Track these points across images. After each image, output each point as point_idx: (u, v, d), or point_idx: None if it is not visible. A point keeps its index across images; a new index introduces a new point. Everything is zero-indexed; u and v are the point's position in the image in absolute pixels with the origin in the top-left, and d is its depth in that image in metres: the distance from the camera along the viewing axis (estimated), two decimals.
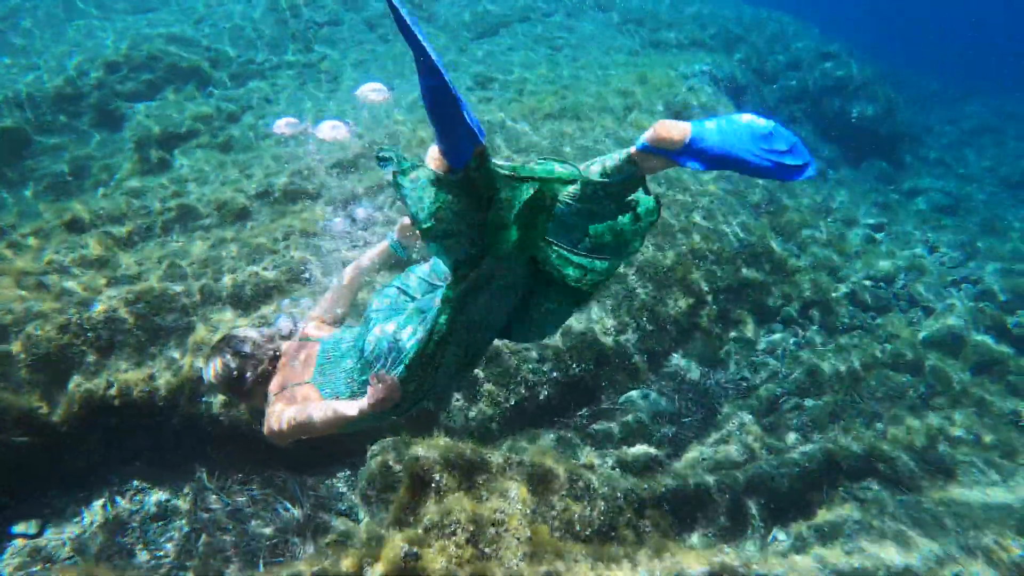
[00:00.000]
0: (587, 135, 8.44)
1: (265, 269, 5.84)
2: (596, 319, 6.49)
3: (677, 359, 6.88)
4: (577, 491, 4.66)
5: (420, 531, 4.06)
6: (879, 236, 9.36)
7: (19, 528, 4.51)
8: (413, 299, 2.81)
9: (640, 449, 5.72)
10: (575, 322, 6.36)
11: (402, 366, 2.43)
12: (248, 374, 2.79)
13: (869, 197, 11.14)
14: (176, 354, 5.01)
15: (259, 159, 7.92)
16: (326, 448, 5.10)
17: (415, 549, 3.95)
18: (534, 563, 4.05)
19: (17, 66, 10.22)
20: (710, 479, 5.30)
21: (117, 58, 10.02)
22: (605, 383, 6.38)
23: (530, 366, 5.94)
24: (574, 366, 6.15)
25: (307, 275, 5.73)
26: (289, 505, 4.73)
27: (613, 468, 5.42)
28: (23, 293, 5.23)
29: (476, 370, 5.63)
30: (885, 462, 5.42)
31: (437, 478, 4.36)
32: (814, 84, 13.81)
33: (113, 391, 4.78)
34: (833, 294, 7.64)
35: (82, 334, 5.05)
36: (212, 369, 2.85)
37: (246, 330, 2.96)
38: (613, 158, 2.50)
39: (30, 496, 4.67)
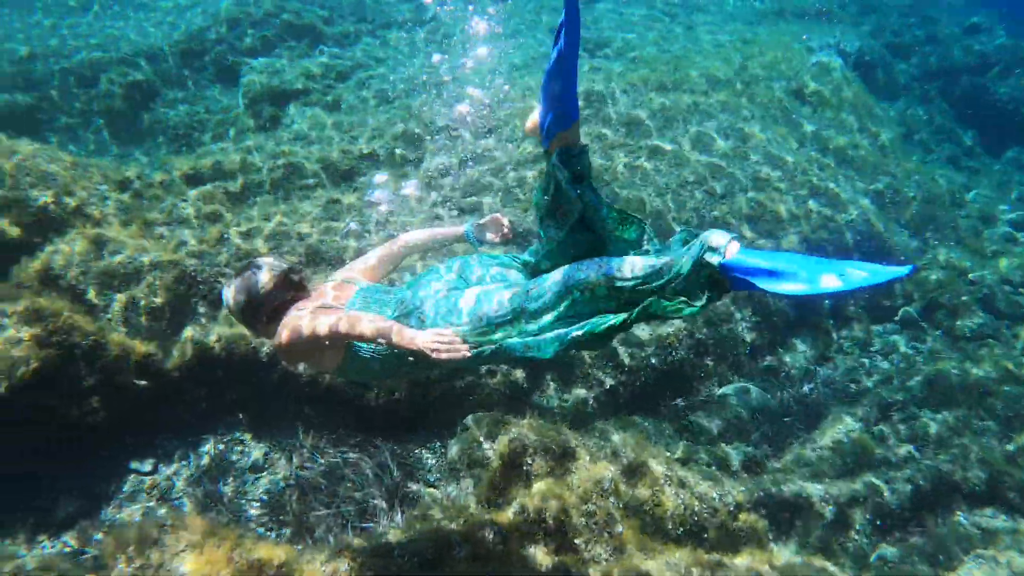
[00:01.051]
0: (698, 111, 7.99)
1: (368, 233, 5.88)
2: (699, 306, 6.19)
3: (782, 354, 6.51)
4: (670, 487, 4.49)
5: (509, 514, 4.01)
6: (1021, 236, 8.49)
7: (135, 464, 4.78)
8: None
9: (737, 447, 5.47)
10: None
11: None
12: (266, 302, 2.71)
13: (1011, 189, 10.12)
14: None
15: (365, 120, 7.97)
16: (418, 417, 5.13)
17: (503, 531, 3.90)
18: (623, 559, 3.93)
19: (148, 20, 10.68)
20: (811, 486, 5.00)
21: (238, 14, 10.28)
22: (704, 373, 6.11)
23: (629, 350, 5.75)
24: (674, 353, 5.92)
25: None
26: (379, 471, 4.79)
27: (708, 465, 5.20)
28: (146, 243, 5.47)
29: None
30: (1015, 489, 4.94)
31: (529, 461, 4.29)
32: (953, 60, 12.60)
33: (220, 344, 4.95)
34: (962, 297, 7.00)
35: (195, 286, 5.24)
36: (229, 294, 2.76)
37: (270, 258, 2.88)
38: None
39: (145, 437, 4.93)
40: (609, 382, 5.65)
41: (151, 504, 4.60)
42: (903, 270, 2.02)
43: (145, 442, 4.93)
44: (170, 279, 5.19)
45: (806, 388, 6.17)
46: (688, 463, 5.12)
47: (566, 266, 2.51)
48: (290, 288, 2.76)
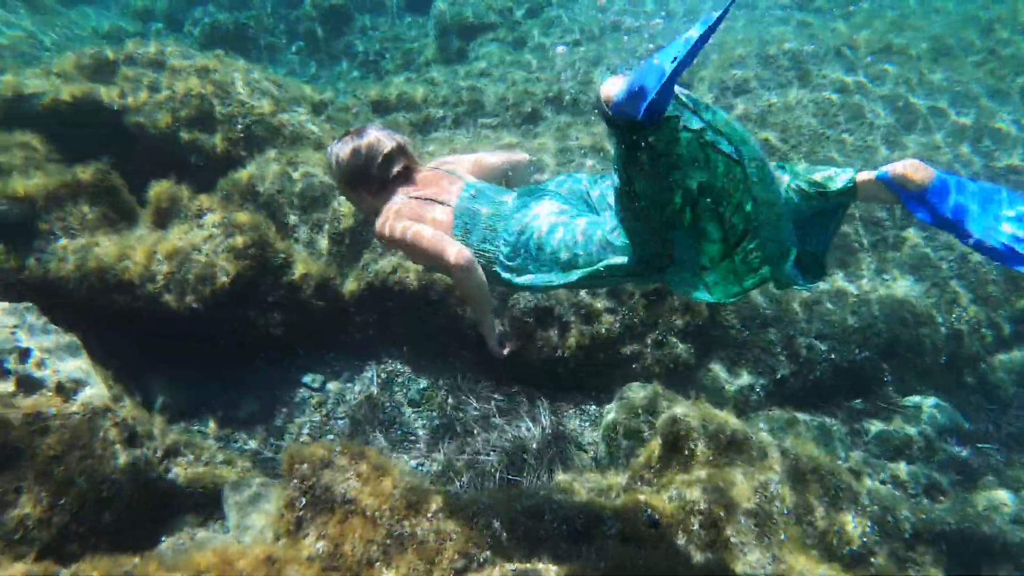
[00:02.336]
0: (921, 83, 6.98)
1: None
2: (898, 302, 5.55)
3: (988, 371, 5.71)
4: (840, 499, 4.09)
5: (664, 499, 3.83)
6: None
7: (308, 379, 5.07)
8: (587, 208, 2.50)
9: (920, 468, 4.90)
10: (871, 301, 5.49)
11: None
12: (374, 171, 2.57)
13: None
14: None
15: (550, 60, 7.73)
16: (576, 376, 5.02)
17: (656, 516, 3.74)
18: (781, 569, 3.65)
19: None
20: (1010, 531, 4.39)
21: None
22: (889, 377, 5.51)
23: (807, 340, 5.27)
24: (857, 350, 5.36)
25: None
26: (531, 424, 4.76)
27: (884, 482, 4.71)
28: None
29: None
30: None
31: (691, 446, 4.06)
32: None
33: (395, 277, 5.05)
34: None
35: None
36: (338, 152, 2.63)
37: (383, 129, 2.70)
38: (829, 175, 2.20)
39: (316, 354, 5.21)
40: (781, 371, 5.24)
41: (316, 419, 4.87)
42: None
43: (316, 359, 5.20)
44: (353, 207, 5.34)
45: (1016, 412, 5.39)
46: (860, 476, 4.66)
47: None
48: (401, 162, 2.62)
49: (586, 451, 4.75)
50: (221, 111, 5.79)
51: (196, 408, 4.89)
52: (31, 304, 3.79)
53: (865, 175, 2.16)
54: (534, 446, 4.67)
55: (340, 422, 4.85)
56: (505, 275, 2.41)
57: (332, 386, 5.09)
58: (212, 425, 4.81)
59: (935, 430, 5.19)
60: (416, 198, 2.53)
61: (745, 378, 5.16)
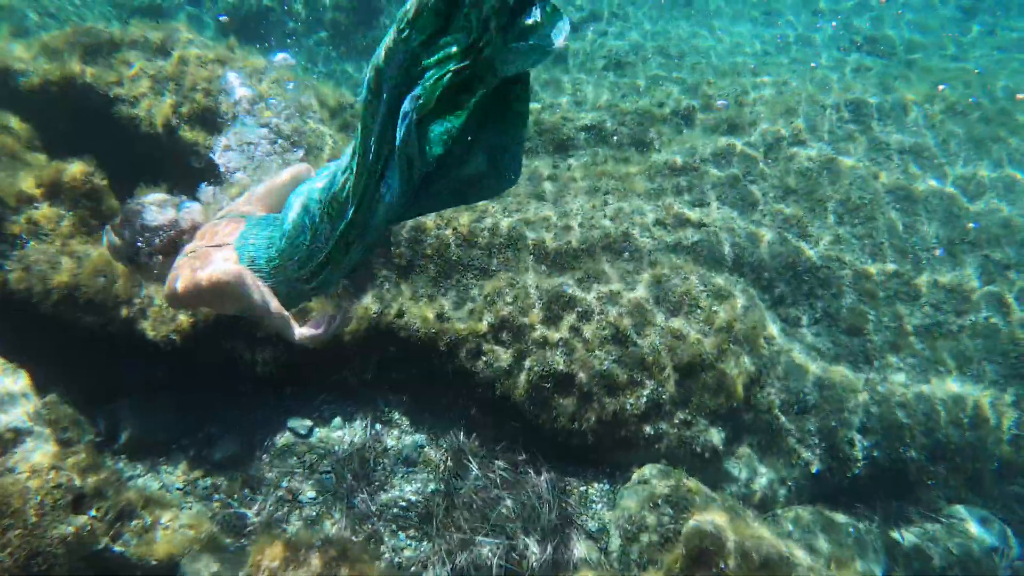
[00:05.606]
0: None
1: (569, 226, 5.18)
2: (950, 397, 5.02)
3: None
4: None
5: None
6: None
7: (294, 424, 4.54)
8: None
9: None
10: (923, 398, 4.95)
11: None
12: (144, 247, 2.57)
13: None
14: (474, 296, 4.60)
15: (597, 84, 7.17)
16: (591, 449, 4.49)
17: None
18: None
19: None
20: None
21: None
22: (934, 482, 4.98)
23: (849, 434, 4.74)
24: (902, 450, 4.83)
25: None
26: (537, 503, 4.23)
27: None
28: None
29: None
30: None
31: (720, 564, 3.53)
32: None
33: (401, 321, 4.52)
34: None
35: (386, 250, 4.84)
36: (107, 239, 2.65)
37: (154, 202, 2.65)
38: None
39: (306, 395, 4.68)
40: (817, 465, 4.71)
41: (299, 472, 4.35)
42: None
43: (305, 400, 4.68)
44: None
45: None
46: None
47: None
48: (167, 236, 2.60)
49: (596, 539, 4.23)
50: (229, 109, 5.25)
51: (167, 443, 4.37)
52: None
53: None
54: (538, 528, 4.14)
55: (325, 477, 4.32)
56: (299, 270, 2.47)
57: (320, 433, 4.56)
58: (183, 466, 4.29)
59: (981, 548, 4.67)
60: (193, 252, 2.50)
61: (776, 470, 4.64)
